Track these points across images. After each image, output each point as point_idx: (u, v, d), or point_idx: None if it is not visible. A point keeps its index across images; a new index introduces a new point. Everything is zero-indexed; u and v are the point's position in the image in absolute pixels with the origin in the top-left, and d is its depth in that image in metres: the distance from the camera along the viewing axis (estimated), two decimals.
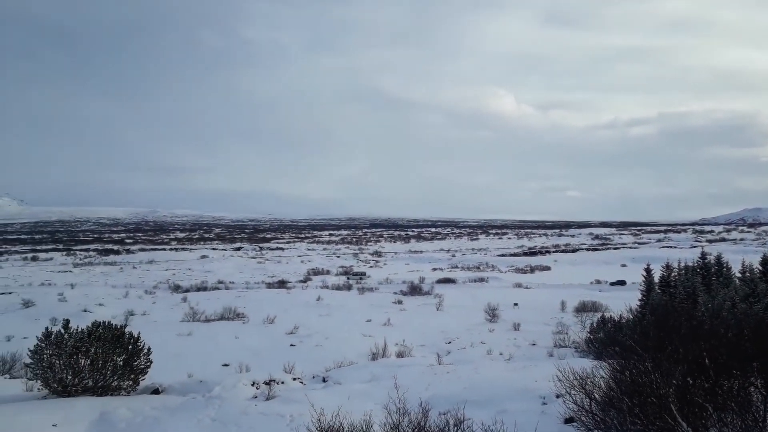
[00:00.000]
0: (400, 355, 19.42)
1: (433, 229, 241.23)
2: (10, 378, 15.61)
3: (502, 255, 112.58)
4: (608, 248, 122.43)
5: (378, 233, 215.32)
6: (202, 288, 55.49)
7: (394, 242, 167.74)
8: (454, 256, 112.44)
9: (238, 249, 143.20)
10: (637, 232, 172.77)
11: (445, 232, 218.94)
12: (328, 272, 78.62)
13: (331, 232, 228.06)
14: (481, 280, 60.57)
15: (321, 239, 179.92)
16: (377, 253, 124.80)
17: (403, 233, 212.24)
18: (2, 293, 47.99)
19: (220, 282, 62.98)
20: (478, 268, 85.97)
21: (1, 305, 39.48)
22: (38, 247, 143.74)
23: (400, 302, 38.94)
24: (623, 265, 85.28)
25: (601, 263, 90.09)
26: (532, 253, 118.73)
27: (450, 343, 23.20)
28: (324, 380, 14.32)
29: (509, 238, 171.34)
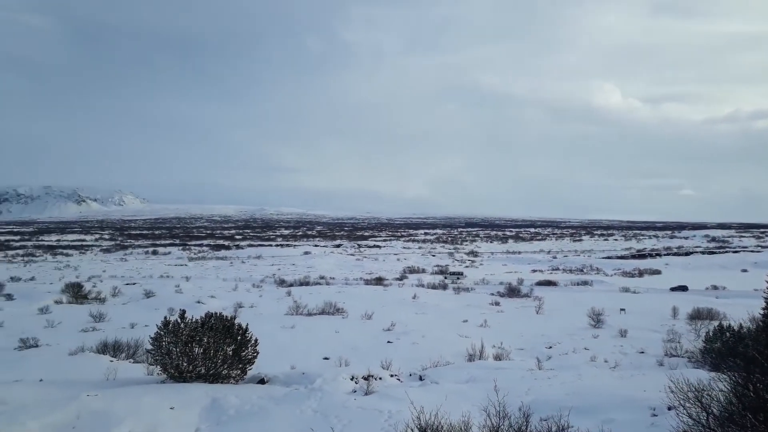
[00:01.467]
0: (497, 357, 19.08)
1: (532, 230, 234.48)
2: (133, 362, 17.04)
3: (608, 257, 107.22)
4: (726, 251, 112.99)
5: (474, 233, 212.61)
6: (304, 283, 57.61)
7: (491, 242, 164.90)
8: (555, 257, 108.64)
9: (338, 246, 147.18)
10: (761, 235, 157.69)
11: (546, 232, 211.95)
12: (423, 271, 78.78)
13: (427, 231, 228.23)
14: (585, 283, 58.02)
15: (416, 238, 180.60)
16: (473, 253, 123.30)
17: (500, 233, 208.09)
18: (127, 284, 52.56)
19: (321, 277, 65.07)
20: (582, 270, 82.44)
21: (127, 295, 43.29)
22: (158, 242, 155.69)
23: (497, 304, 38.21)
24: (744, 270, 78.38)
25: (718, 268, 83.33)
26: (640, 255, 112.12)
27: (551, 347, 22.43)
28: (421, 378, 14.37)
29: (615, 240, 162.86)
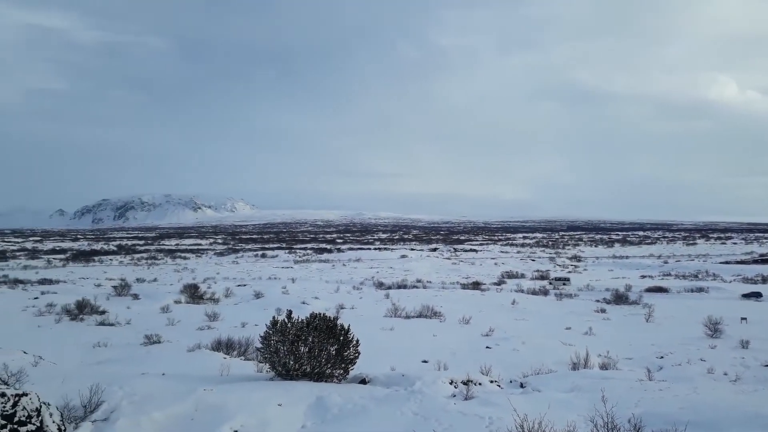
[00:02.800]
0: (603, 366, 18.22)
1: (640, 233, 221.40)
2: (244, 359, 18.07)
3: (726, 262, 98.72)
4: None
5: (577, 236, 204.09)
6: (402, 286, 58.17)
7: (595, 246, 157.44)
8: (666, 262, 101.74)
9: (434, 250, 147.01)
10: None
11: (655, 235, 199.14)
12: (522, 276, 76.76)
13: (525, 234, 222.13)
14: (700, 290, 53.82)
15: (515, 242, 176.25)
16: (576, 258, 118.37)
17: (605, 237, 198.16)
18: (239, 285, 55.74)
19: (418, 281, 65.37)
20: (696, 276, 76.52)
21: (238, 295, 45.92)
22: (266, 246, 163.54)
23: (602, 311, 36.45)
24: None
25: None
26: (763, 260, 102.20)
27: (662, 358, 21.06)
28: (522, 386, 14.06)
29: (734, 243, 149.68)
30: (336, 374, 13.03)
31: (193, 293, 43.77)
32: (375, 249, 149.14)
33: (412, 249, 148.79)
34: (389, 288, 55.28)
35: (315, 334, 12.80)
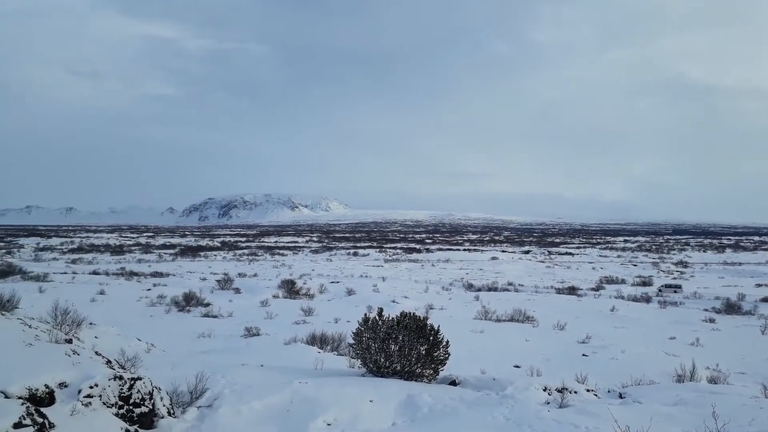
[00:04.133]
0: (712, 380, 16.95)
1: (756, 238, 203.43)
2: (337, 354, 18.57)
3: None
4: None
5: (683, 241, 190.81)
6: (492, 288, 57.21)
7: (704, 251, 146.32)
8: None
9: (527, 252, 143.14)
10: None
11: None
12: (623, 281, 72.86)
13: (627, 238, 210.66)
14: None
15: (614, 246, 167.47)
16: (682, 263, 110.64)
17: (715, 241, 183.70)
18: (332, 282, 57.29)
19: (510, 284, 63.94)
20: None
21: (331, 292, 47.20)
22: (358, 245, 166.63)
23: (711, 321, 33.87)
24: None
25: None
26: None
27: None
28: (621, 396, 13.40)
29: None
30: (426, 374, 13.08)
31: (290, 288, 45.52)
32: (464, 250, 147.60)
33: (504, 251, 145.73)
34: (479, 290, 54.55)
35: (405, 333, 12.92)
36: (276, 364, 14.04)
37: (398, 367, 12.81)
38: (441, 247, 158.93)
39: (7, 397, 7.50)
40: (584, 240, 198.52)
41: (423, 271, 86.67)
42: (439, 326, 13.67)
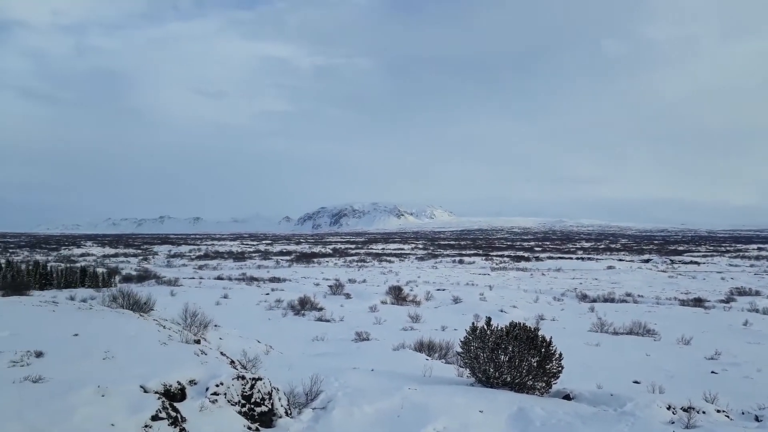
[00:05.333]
0: None
1: None
2: (445, 362, 18.55)
3: None
4: None
5: None
6: (608, 299, 54.25)
7: None
8: None
9: (647, 261, 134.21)
10: None
11: None
12: (757, 293, 66.02)
13: (761, 246, 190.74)
14: None
15: (747, 254, 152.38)
16: None
17: None
18: (438, 289, 57.27)
19: (628, 294, 60.25)
20: None
21: (438, 299, 47.19)
22: (463, 252, 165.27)
23: None
24: None
25: None
26: None
27: None
28: (757, 419, 12.23)
29: None
30: (538, 386, 12.71)
31: (397, 295, 46.14)
32: (577, 258, 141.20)
33: (620, 260, 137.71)
34: (594, 301, 51.93)
35: (515, 343, 12.65)
36: (385, 369, 14.30)
37: (508, 379, 12.56)
38: (551, 255, 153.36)
39: (146, 391, 8.30)
40: (711, 248, 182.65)
41: (532, 281, 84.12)
42: (551, 338, 13.24)
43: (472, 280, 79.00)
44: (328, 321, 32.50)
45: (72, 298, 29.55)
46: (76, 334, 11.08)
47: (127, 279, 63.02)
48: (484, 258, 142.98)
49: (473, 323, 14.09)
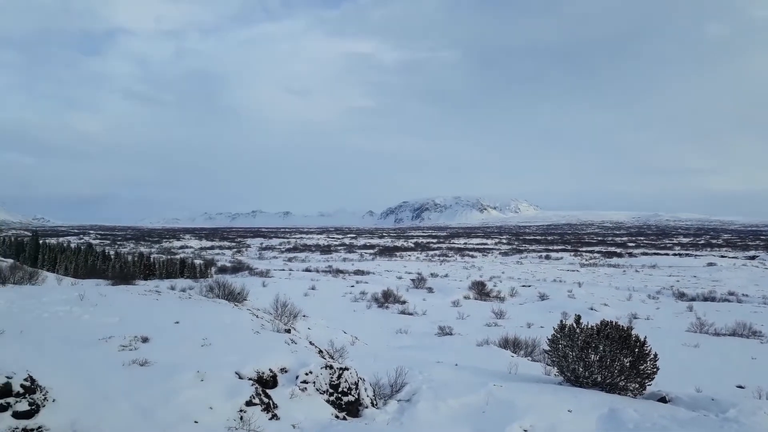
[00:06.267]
0: None
1: None
2: (531, 360, 18.16)
3: None
4: None
5: None
6: (709, 298, 50.82)
7: None
8: None
9: (752, 258, 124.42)
10: None
11: None
12: None
13: None
14: None
15: None
16: None
17: None
18: (523, 285, 56.03)
19: (731, 293, 56.13)
20: None
21: (523, 296, 46.20)
22: (550, 248, 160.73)
23: None
24: None
25: None
26: None
27: None
28: None
29: None
30: (630, 388, 12.17)
31: (480, 290, 45.65)
32: (674, 255, 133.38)
33: (723, 256, 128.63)
34: (692, 299, 48.82)
35: (606, 342, 12.18)
36: (469, 365, 14.21)
37: (599, 378, 12.12)
38: (646, 251, 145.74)
39: (240, 377, 8.75)
40: None
41: (625, 277, 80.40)
42: (645, 337, 12.62)
43: (560, 277, 76.67)
44: (410, 314, 32.72)
45: (173, 288, 31.57)
46: (177, 322, 11.84)
47: (222, 270, 66.50)
48: (572, 254, 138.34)
49: (561, 321, 13.72)
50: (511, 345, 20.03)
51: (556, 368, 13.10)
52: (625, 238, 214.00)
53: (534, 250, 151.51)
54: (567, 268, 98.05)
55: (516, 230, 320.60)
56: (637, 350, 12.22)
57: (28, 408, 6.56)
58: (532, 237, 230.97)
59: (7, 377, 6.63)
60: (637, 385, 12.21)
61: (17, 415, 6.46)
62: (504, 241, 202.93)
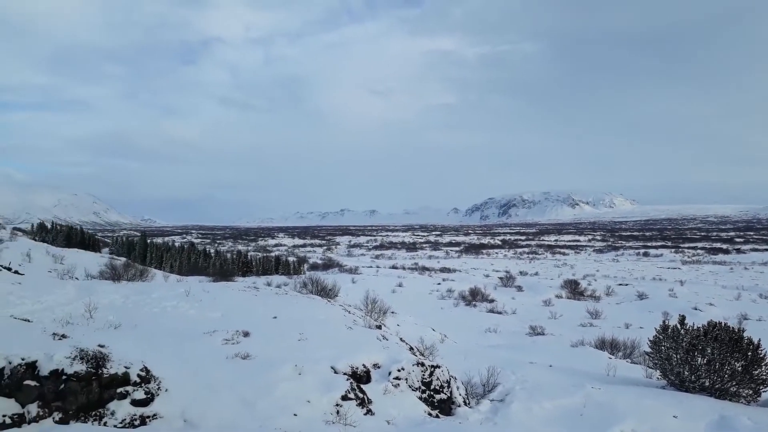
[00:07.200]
0: None
1: None
2: (630, 362, 17.31)
3: None
4: None
5: None
6: None
7: None
8: None
9: None
10: None
11: None
12: None
13: None
14: None
15: None
16: None
17: None
18: (619, 284, 53.51)
19: None
20: None
21: (620, 295, 44.14)
22: (648, 244, 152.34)
23: None
24: None
25: None
26: None
27: None
28: None
29: None
30: (743, 394, 11.32)
31: (573, 289, 44.10)
32: None
33: None
34: None
35: (715, 345, 11.39)
36: (564, 366, 13.80)
37: (706, 383, 11.36)
38: (756, 247, 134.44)
39: (335, 372, 9.00)
40: None
41: (732, 275, 74.72)
42: (759, 340, 11.69)
43: (660, 275, 72.52)
44: (499, 313, 32.20)
45: (269, 284, 32.95)
46: (275, 317, 12.37)
47: (314, 267, 68.62)
48: (673, 250, 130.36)
49: (664, 321, 12.98)
50: (608, 346, 19.20)
51: (658, 371, 12.43)
52: (732, 234, 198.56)
53: (631, 247, 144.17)
54: (667, 266, 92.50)
55: (611, 226, 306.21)
56: (750, 354, 11.35)
57: (144, 396, 7.11)
58: (628, 233, 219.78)
59: (126, 367, 7.22)
60: (751, 392, 11.35)
61: (135, 403, 7.02)
62: (598, 237, 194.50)
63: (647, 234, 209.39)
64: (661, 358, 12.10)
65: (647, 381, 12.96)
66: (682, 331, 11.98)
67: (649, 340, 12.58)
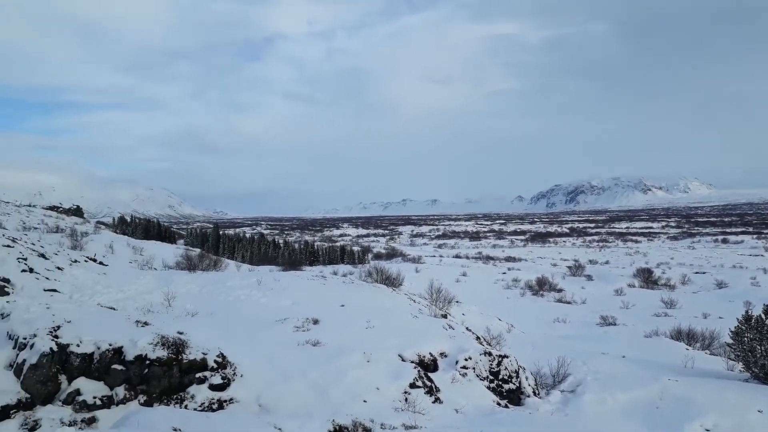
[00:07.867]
0: None
1: None
2: (709, 354, 16.52)
3: None
4: None
5: None
6: None
7: None
8: None
9: None
10: None
11: None
12: None
13: None
14: None
15: None
16: None
17: None
18: (696, 272, 51.01)
19: None
20: None
21: (697, 283, 42.11)
22: (727, 230, 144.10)
23: None
24: None
25: None
26: None
27: None
28: None
29: None
30: None
31: (646, 278, 42.46)
32: None
33: None
34: None
35: None
36: (638, 357, 13.35)
37: None
38: None
39: (403, 360, 9.10)
40: None
41: None
42: None
43: (741, 262, 68.52)
44: (568, 303, 31.45)
45: (335, 273, 33.57)
46: (343, 305, 12.62)
47: (378, 256, 69.27)
48: (755, 236, 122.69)
49: (746, 311, 12.31)
50: (685, 337, 18.40)
51: (740, 363, 11.83)
52: None
53: (708, 234, 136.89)
54: (749, 253, 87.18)
55: (686, 212, 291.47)
56: None
57: (221, 381, 7.48)
58: (705, 219, 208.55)
59: (203, 353, 7.61)
60: None
61: (213, 388, 7.40)
62: (672, 224, 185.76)
63: (726, 219, 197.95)
64: (744, 349, 11.51)
65: (728, 374, 12.35)
66: (767, 321, 11.34)
67: (731, 331, 11.98)
